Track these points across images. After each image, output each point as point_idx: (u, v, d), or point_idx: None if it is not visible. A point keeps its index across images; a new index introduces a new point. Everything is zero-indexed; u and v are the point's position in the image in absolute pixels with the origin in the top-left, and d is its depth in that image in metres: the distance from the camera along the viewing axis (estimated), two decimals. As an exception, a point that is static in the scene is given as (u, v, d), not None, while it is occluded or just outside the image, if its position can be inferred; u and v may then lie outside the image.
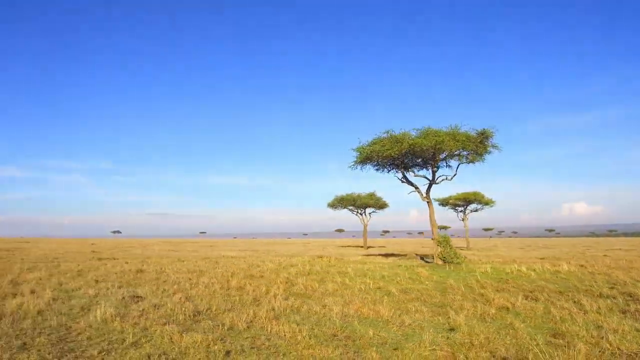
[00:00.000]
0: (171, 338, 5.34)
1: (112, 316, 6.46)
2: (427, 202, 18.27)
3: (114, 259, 20.63)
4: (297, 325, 6.13)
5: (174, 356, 4.73)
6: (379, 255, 27.13)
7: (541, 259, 23.81)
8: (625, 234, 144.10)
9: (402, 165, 18.16)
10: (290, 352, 4.95)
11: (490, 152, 16.97)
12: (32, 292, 8.90)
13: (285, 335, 5.62)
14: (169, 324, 6.09)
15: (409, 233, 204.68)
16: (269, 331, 5.86)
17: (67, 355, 4.70)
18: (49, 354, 4.75)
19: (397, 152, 16.27)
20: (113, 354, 4.79)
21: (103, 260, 18.89)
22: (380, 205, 39.38)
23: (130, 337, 5.34)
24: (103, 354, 4.77)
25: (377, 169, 19.47)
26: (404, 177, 18.43)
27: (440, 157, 17.21)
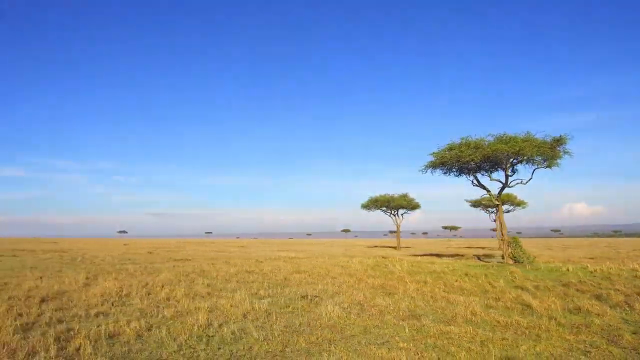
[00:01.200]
0: (442, 331, 6.09)
1: (342, 313, 7.18)
2: (497, 204, 19.14)
3: (188, 259, 21.19)
4: (516, 316, 6.91)
5: (479, 343, 5.48)
6: (429, 255, 27.94)
7: (591, 258, 24.79)
8: (627, 235, 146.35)
9: (475, 170, 19.02)
10: (553, 337, 5.75)
11: (562, 157, 17.85)
12: (209, 294, 9.57)
13: (526, 324, 6.40)
14: (405, 320, 6.84)
15: (413, 233, 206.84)
16: (501, 323, 6.63)
17: (378, 346, 5.40)
18: (359, 344, 5.46)
19: (479, 158, 17.11)
20: (422, 344, 5.50)
21: (183, 262, 19.44)
22: (413, 206, 40.29)
23: (407, 330, 6.08)
24: (410, 343, 5.49)
25: (444, 173, 20.35)
26: (477, 180, 19.30)
27: (512, 161, 18.10)
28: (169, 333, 5.95)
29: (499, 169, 18.77)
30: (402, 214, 41.34)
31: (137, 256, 24.50)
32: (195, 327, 6.24)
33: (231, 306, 7.84)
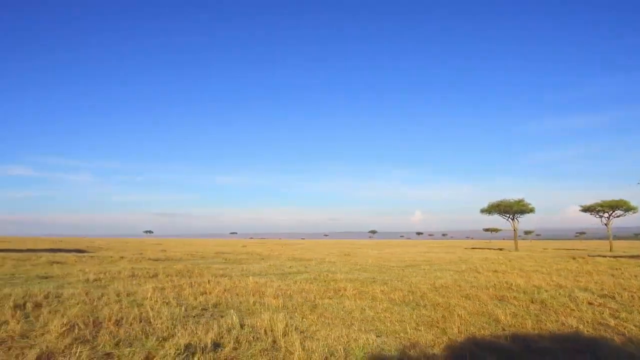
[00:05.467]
0: None
1: None
2: None
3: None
4: None
5: None
6: (598, 257, 31.14)
7: None
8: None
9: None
10: None
11: None
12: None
13: None
14: None
15: (431, 235, 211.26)
16: None
17: None
18: None
19: None
20: None
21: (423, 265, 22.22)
22: (529, 210, 43.76)
23: None
24: None
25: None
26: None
27: None
28: None
29: None
30: (517, 217, 44.79)
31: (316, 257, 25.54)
32: None
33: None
